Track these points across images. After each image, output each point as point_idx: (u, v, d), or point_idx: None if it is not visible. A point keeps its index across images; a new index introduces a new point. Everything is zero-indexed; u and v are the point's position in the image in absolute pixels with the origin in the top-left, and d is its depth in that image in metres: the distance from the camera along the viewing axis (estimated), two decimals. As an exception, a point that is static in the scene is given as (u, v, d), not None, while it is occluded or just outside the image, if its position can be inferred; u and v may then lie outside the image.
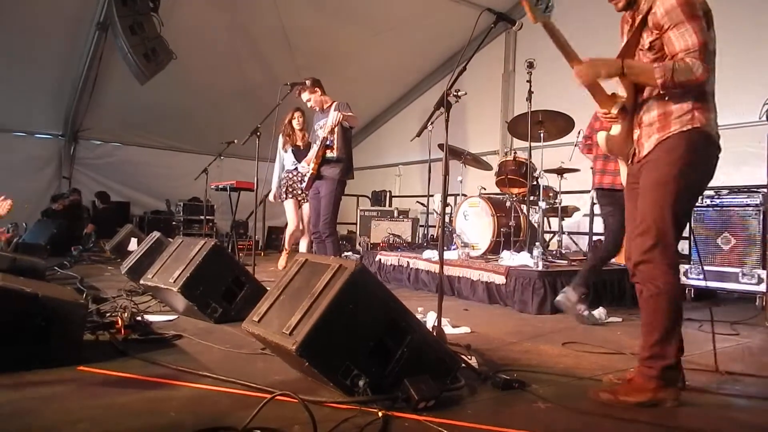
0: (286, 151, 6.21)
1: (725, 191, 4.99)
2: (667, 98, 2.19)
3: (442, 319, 2.94)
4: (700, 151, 2.17)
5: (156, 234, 4.99)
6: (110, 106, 8.85)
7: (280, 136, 6.14)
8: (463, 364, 2.40)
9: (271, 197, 6.31)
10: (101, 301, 3.86)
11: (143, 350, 2.75)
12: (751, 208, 4.65)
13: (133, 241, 5.81)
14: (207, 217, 8.94)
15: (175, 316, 3.70)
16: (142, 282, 3.95)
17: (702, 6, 2.14)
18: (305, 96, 5.17)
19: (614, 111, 2.29)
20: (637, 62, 2.24)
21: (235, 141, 5.77)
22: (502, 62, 9.14)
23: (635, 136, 2.33)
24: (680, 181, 2.15)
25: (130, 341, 2.94)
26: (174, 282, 3.44)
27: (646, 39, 2.22)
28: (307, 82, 5.09)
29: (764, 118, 3.90)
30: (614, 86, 2.33)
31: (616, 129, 2.35)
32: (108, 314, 3.41)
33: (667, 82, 2.08)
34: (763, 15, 5.92)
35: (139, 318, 3.32)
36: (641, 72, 2.18)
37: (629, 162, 2.40)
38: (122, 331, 3.03)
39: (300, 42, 8.49)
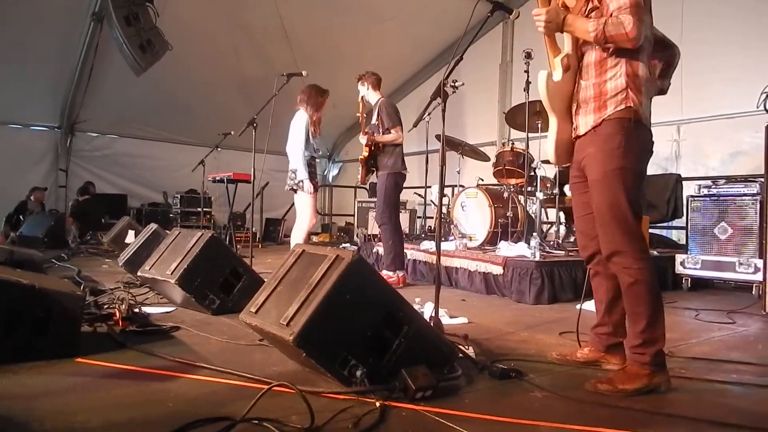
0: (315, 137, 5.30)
1: (722, 181, 5.00)
2: (603, 79, 2.28)
3: (440, 309, 2.94)
4: (634, 138, 2.25)
5: (153, 226, 4.98)
6: (107, 97, 8.81)
7: (308, 119, 5.08)
8: (461, 354, 2.41)
9: (310, 189, 5.05)
10: (99, 293, 3.85)
11: (141, 342, 2.75)
12: (748, 198, 4.65)
13: (131, 233, 5.79)
14: (204, 209, 8.93)
15: (173, 308, 3.70)
16: (139, 274, 3.95)
17: None
18: (358, 86, 5.30)
19: (559, 57, 2.37)
20: (577, 17, 2.30)
21: (232, 132, 5.74)
22: (499, 53, 9.13)
23: (573, 110, 2.42)
24: (624, 171, 2.24)
25: (128, 333, 2.94)
26: (171, 274, 3.44)
27: (587, 7, 2.32)
28: (366, 74, 5.25)
29: (761, 107, 3.89)
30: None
31: (558, 74, 2.39)
32: (106, 306, 3.41)
33: (599, 34, 2.16)
34: (761, 5, 5.90)
35: (136, 310, 3.32)
36: (578, 26, 2.26)
37: (563, 120, 2.44)
38: (120, 323, 3.03)
39: (297, 33, 8.46)
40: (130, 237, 5.69)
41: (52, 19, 7.31)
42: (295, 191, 5.09)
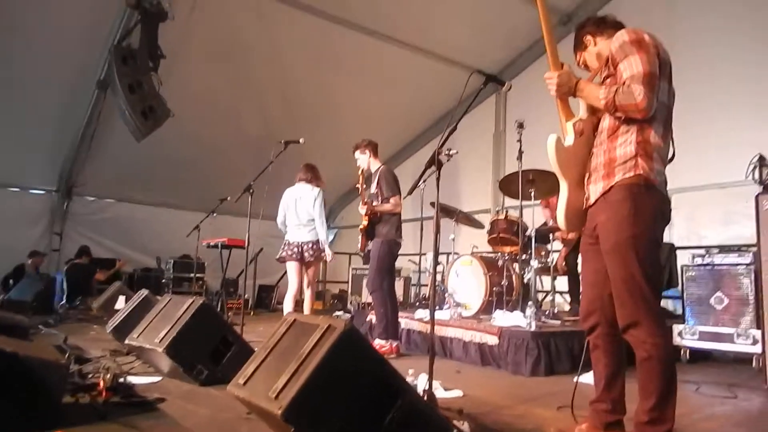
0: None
1: (716, 250, 5.01)
2: (614, 146, 2.26)
3: (434, 381, 2.86)
4: (645, 202, 2.20)
5: (144, 292, 4.91)
6: (106, 162, 8.92)
7: (321, 191, 5.89)
8: (455, 430, 2.33)
9: (331, 255, 5.90)
10: (84, 362, 3.75)
11: (124, 414, 2.66)
12: (742, 267, 4.64)
13: (121, 299, 5.72)
14: (197, 275, 8.85)
15: (160, 378, 3.59)
16: (127, 341, 3.86)
17: (656, 48, 2.22)
18: (357, 154, 5.38)
19: (572, 121, 2.38)
20: (590, 83, 2.32)
21: (229, 198, 5.77)
22: (493, 122, 9.36)
23: (585, 179, 2.40)
24: (636, 239, 2.18)
25: (111, 404, 2.83)
26: (159, 342, 3.36)
27: (602, 75, 2.36)
28: (363, 142, 5.36)
29: (750, 178, 3.96)
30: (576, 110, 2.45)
31: (570, 139, 2.39)
32: (90, 375, 3.31)
33: (609, 102, 2.17)
34: (750, 83, 6.12)
35: (121, 380, 3.21)
36: (589, 92, 2.28)
37: (573, 185, 2.42)
38: (103, 394, 2.92)
39: (299, 97, 8.67)
40: (121, 303, 5.61)
41: (58, 85, 7.51)
42: (305, 261, 5.73)
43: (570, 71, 2.32)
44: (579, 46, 2.55)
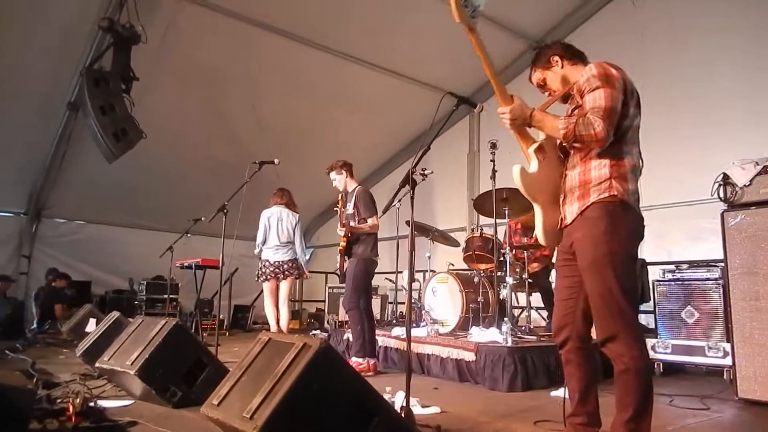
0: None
1: (685, 266, 5.12)
2: (588, 168, 2.33)
3: (411, 399, 2.85)
4: (620, 221, 2.27)
5: (115, 314, 4.81)
6: (76, 184, 8.75)
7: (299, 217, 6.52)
8: (433, 447, 2.32)
9: (307, 274, 6.76)
10: (52, 386, 3.64)
11: (94, 439, 2.58)
12: (711, 282, 4.75)
13: (92, 321, 5.58)
14: (171, 296, 8.70)
15: (132, 401, 3.51)
16: (97, 365, 3.76)
17: (623, 82, 2.29)
18: (332, 175, 5.41)
19: (533, 147, 2.43)
20: (546, 114, 2.37)
21: (203, 218, 5.74)
22: (467, 143, 9.47)
23: (560, 200, 2.46)
24: (613, 255, 2.24)
25: (80, 429, 2.76)
26: (131, 364, 3.29)
27: (571, 106, 2.42)
28: (337, 163, 5.41)
29: (715, 195, 4.07)
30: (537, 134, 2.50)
31: (533, 165, 2.44)
32: (59, 400, 3.21)
33: (569, 132, 2.22)
34: (715, 109, 6.34)
35: (92, 404, 3.13)
36: (546, 123, 2.33)
37: (547, 207, 2.49)
38: (73, 419, 2.84)
39: (271, 121, 8.67)
40: (91, 326, 5.48)
41: (26, 107, 7.37)
42: (284, 278, 6.23)
43: (522, 103, 2.37)
44: (543, 64, 2.59)
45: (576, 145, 2.31)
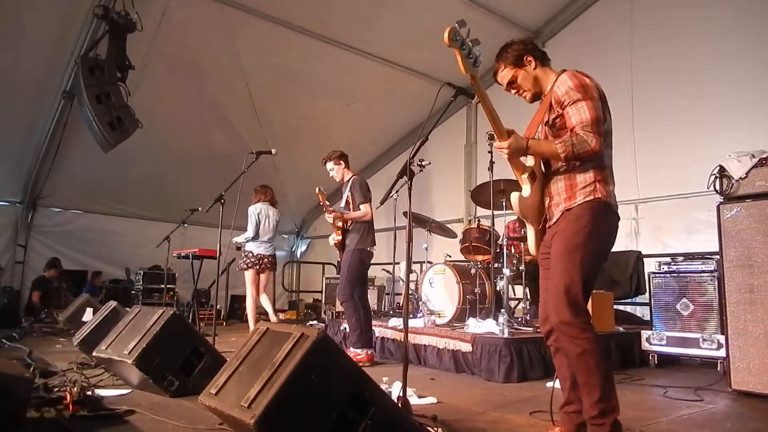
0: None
1: (681, 258, 5.14)
2: (572, 171, 2.46)
3: (408, 389, 2.87)
4: (602, 220, 2.41)
5: (112, 303, 4.81)
6: (72, 173, 8.72)
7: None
8: (429, 437, 2.34)
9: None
10: (50, 375, 3.65)
11: (91, 428, 2.60)
12: (706, 275, 4.77)
13: (89, 311, 5.58)
14: (168, 286, 8.70)
15: (129, 390, 3.52)
16: (94, 354, 3.76)
17: (597, 90, 2.43)
18: (329, 166, 5.39)
19: (526, 174, 2.55)
20: (541, 141, 2.51)
21: (200, 209, 5.73)
22: (464, 134, 9.46)
23: (546, 204, 2.59)
24: (586, 248, 2.36)
25: (77, 418, 2.76)
26: (129, 354, 3.30)
27: (550, 116, 2.51)
28: (334, 154, 5.39)
29: (711, 188, 4.08)
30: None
31: (526, 190, 2.56)
32: (56, 389, 3.22)
33: (569, 155, 2.34)
34: (708, 101, 6.35)
35: (89, 392, 3.14)
36: (544, 149, 2.45)
37: (539, 227, 2.64)
38: (70, 408, 2.85)
39: (268, 112, 8.64)
40: (88, 315, 5.47)
41: (21, 95, 7.32)
42: (263, 271, 6.65)
43: (517, 135, 2.46)
44: (515, 61, 2.61)
45: (576, 163, 2.43)
